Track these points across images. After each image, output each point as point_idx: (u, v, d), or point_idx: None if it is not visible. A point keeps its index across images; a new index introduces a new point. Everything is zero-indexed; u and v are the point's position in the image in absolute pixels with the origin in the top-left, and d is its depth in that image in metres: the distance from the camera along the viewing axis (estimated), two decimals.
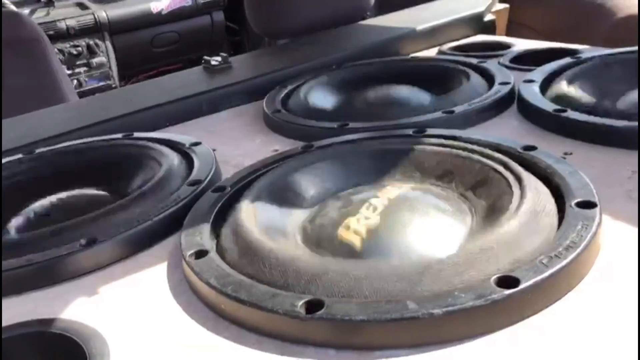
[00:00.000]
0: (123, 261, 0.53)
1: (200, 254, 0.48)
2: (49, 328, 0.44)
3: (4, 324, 0.46)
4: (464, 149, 0.59)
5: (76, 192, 0.69)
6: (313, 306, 0.40)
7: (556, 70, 0.81)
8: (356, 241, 0.49)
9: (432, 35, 1.13)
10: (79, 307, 0.48)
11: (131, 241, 0.54)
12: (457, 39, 1.15)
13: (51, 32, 2.30)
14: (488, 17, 1.21)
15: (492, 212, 0.50)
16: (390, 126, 0.70)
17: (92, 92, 2.39)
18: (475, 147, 0.59)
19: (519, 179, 0.51)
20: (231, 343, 0.41)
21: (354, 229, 0.50)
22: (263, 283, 0.44)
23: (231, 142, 0.79)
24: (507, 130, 0.71)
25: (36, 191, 0.70)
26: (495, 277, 0.40)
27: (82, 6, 2.50)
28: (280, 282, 0.43)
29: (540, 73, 0.80)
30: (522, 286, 0.38)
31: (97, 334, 0.43)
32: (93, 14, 2.47)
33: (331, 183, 0.60)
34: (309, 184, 0.60)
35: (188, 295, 0.47)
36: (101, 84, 2.50)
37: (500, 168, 0.54)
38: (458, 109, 0.72)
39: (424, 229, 0.50)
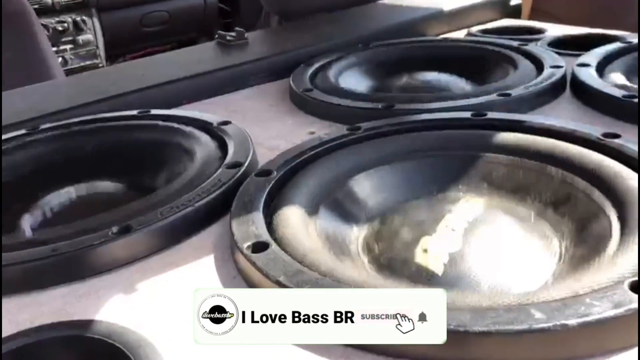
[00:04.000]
0: (161, 252, 0.46)
1: (260, 246, 0.42)
2: (86, 332, 0.37)
3: (29, 324, 0.39)
4: (535, 156, 0.51)
5: (101, 182, 0.62)
6: None
7: (609, 54, 0.76)
8: (437, 268, 0.43)
9: (459, 17, 1.07)
10: (116, 307, 0.41)
11: (170, 230, 0.47)
12: (484, 22, 1.09)
13: (35, 6, 2.18)
14: (514, 2, 1.16)
15: (586, 239, 0.43)
16: (443, 108, 0.64)
17: (78, 70, 2.28)
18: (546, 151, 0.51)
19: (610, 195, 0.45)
20: (305, 352, 0.35)
21: (433, 252, 0.44)
22: None
23: (259, 123, 0.72)
24: (567, 115, 0.65)
25: (53, 180, 0.62)
26: (628, 281, 0.34)
27: None
28: None
29: (593, 57, 0.75)
30: None
31: (145, 340, 0.36)
32: None
33: (391, 187, 0.54)
34: (364, 181, 0.53)
35: None
36: (87, 62, 2.39)
37: (582, 182, 0.47)
38: (514, 91, 0.66)
39: (513, 259, 0.44)
